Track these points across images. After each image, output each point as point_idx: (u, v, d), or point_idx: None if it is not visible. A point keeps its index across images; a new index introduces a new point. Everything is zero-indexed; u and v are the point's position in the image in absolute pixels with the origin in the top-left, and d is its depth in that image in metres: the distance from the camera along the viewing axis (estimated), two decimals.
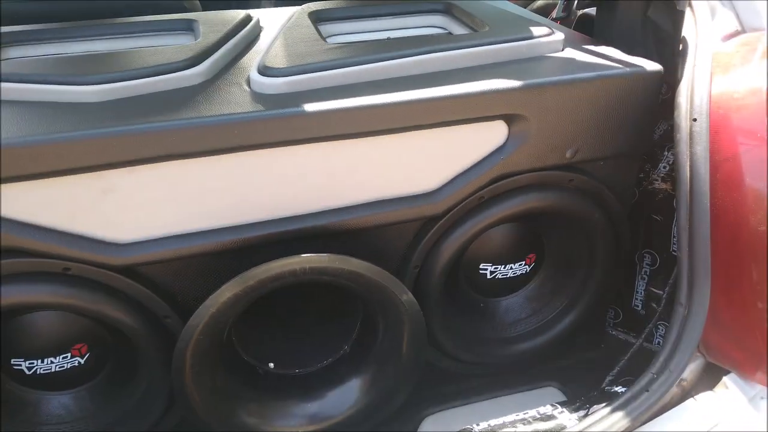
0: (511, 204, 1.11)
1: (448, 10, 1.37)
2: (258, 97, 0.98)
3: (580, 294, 1.29)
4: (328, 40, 1.28)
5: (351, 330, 1.18)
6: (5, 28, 1.23)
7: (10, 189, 0.87)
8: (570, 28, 1.44)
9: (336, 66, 1.02)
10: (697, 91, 1.00)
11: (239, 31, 1.22)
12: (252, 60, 1.13)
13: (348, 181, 1.02)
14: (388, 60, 1.04)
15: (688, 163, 0.97)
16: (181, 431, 1.12)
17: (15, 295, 0.91)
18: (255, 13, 1.37)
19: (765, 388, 0.98)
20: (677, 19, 1.16)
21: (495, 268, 1.26)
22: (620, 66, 1.07)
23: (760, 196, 0.92)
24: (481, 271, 1.26)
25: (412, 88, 0.99)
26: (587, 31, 1.37)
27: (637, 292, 1.36)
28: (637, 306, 1.36)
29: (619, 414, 0.87)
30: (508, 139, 1.06)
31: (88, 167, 0.88)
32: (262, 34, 1.29)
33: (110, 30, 1.26)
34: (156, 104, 0.95)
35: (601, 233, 1.20)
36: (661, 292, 1.25)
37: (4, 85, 0.96)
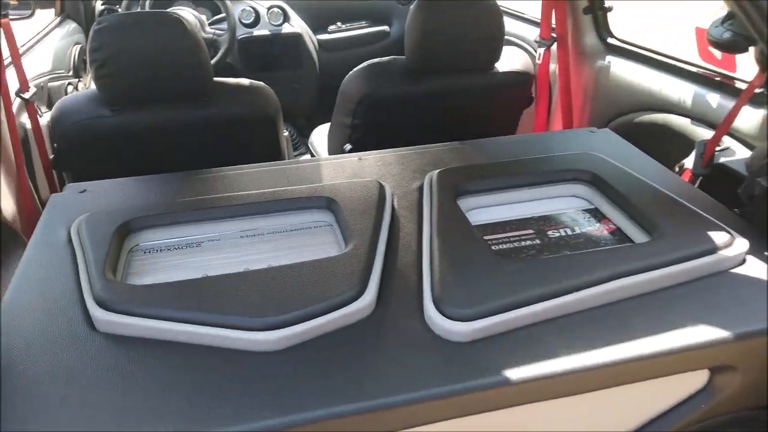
0: None
1: (594, 182, 1.27)
2: (446, 345, 0.89)
3: None
4: (468, 215, 1.19)
5: None
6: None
7: None
8: None
9: (523, 303, 0.93)
10: None
11: (381, 220, 1.12)
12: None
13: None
14: (574, 292, 0.95)
15: None
16: None
17: None
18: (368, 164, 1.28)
19: None
20: None
21: None
22: None
23: None
24: None
25: (613, 336, 0.89)
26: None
27: None
28: None
29: None
30: (708, 384, 0.97)
31: None
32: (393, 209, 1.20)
33: (248, 209, 1.17)
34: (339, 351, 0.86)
35: None
36: None
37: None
